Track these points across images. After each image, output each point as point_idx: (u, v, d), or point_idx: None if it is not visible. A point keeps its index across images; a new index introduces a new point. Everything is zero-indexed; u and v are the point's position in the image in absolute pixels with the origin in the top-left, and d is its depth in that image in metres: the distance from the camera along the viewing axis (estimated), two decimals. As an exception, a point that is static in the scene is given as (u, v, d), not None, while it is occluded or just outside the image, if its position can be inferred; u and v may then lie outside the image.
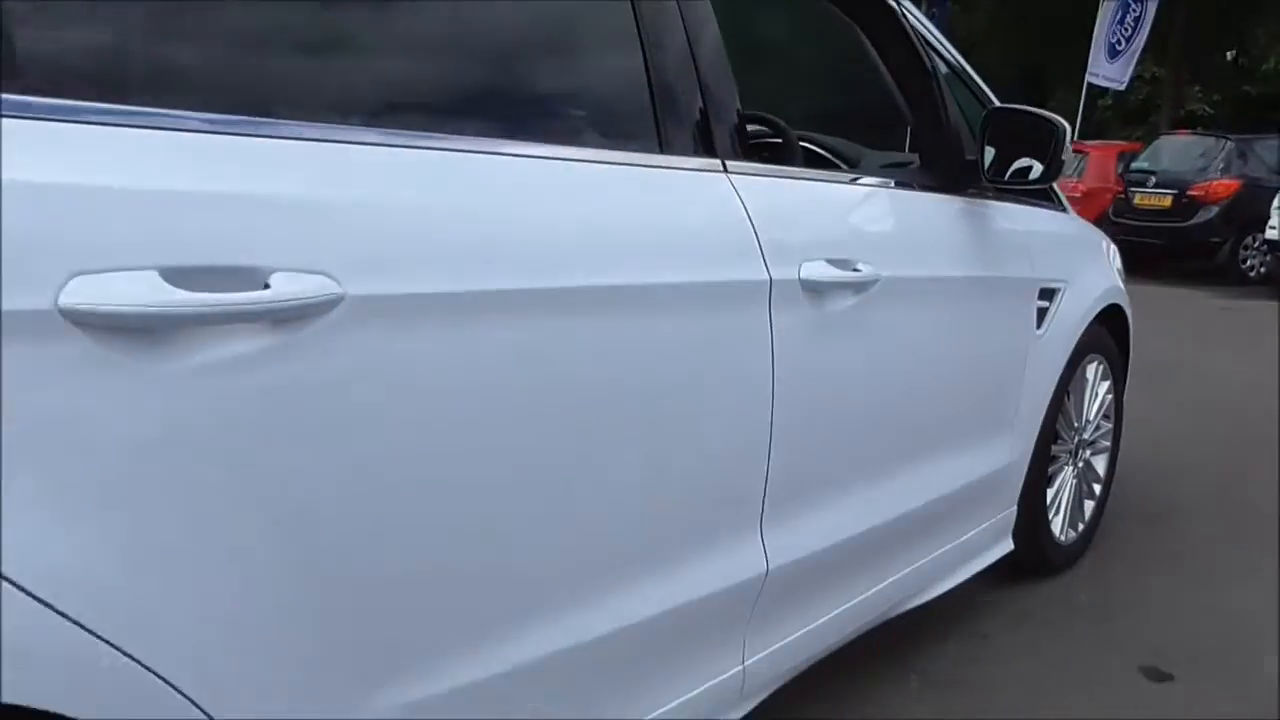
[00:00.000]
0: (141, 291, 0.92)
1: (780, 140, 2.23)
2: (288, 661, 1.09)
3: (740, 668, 1.78)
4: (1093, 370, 2.96)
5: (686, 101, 1.59)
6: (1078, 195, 12.28)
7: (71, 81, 0.96)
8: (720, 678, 1.74)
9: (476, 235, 1.22)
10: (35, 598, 0.87)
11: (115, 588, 0.94)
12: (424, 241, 1.17)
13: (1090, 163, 12.60)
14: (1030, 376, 2.56)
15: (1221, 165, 11.24)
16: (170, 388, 0.96)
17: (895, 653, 2.42)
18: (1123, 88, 16.80)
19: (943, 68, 2.37)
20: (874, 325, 1.88)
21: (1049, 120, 2.24)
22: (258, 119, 1.07)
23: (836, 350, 1.81)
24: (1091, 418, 3.02)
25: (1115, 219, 11.62)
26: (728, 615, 1.73)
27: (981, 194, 2.33)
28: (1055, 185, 2.75)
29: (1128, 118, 24.26)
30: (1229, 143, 11.57)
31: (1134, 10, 16.34)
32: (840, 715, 2.19)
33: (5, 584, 0.85)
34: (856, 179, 2.23)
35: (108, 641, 0.91)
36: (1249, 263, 11.12)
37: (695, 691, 1.68)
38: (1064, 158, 2.23)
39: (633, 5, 1.52)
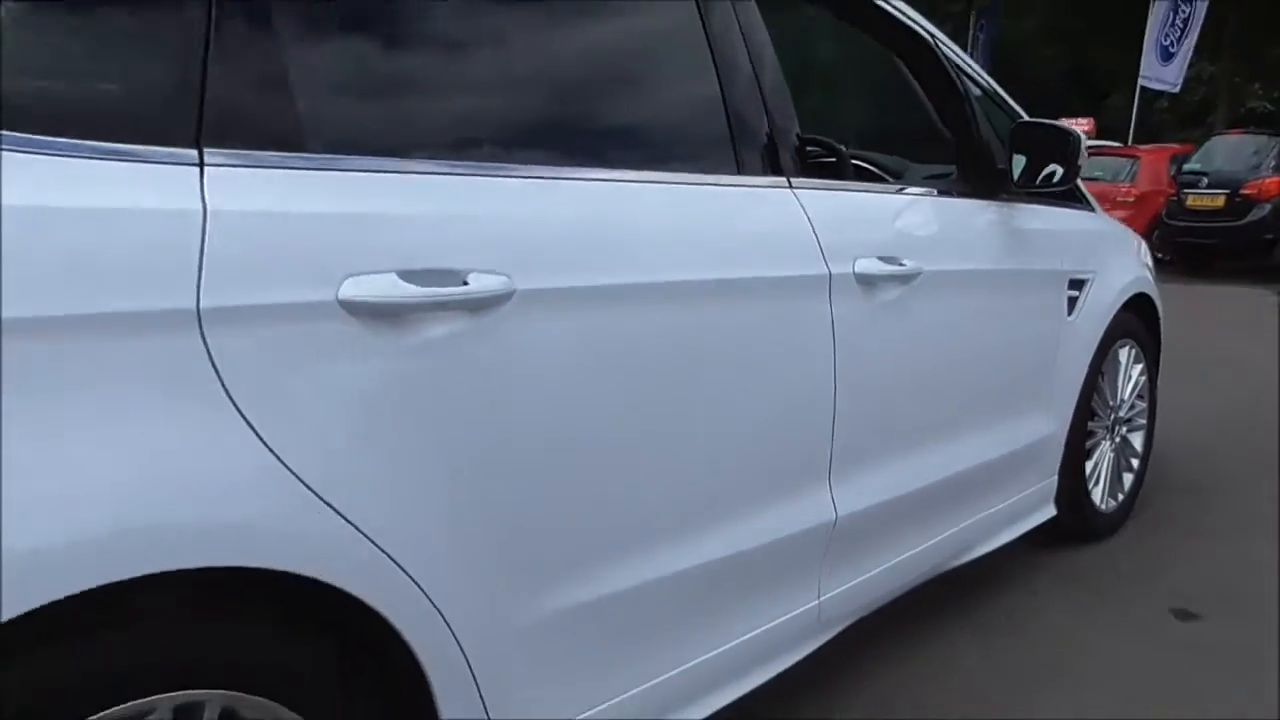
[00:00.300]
0: (386, 287, 1.32)
1: (834, 158, 2.59)
2: (480, 559, 1.47)
3: (816, 602, 2.14)
4: (1125, 354, 3.27)
5: (758, 132, 1.97)
6: (1131, 199, 12.42)
7: (350, 141, 1.38)
8: (800, 609, 2.10)
9: (608, 243, 1.61)
10: (319, 496, 1.26)
11: (368, 494, 1.32)
12: (570, 249, 1.56)
13: (1143, 167, 12.73)
14: (1063, 358, 2.89)
15: (1274, 163, 11.32)
16: (405, 355, 1.35)
17: (955, 606, 2.75)
18: (1176, 90, 16.85)
19: (975, 89, 2.72)
20: (919, 311, 2.24)
21: (1065, 131, 2.59)
22: (458, 162, 1.47)
23: (887, 332, 2.17)
24: (1126, 397, 3.32)
25: (1169, 220, 11.74)
26: (805, 556, 2.08)
27: (1013, 198, 2.67)
28: (1083, 187, 3.08)
29: (1185, 119, 24.15)
30: (1281, 141, 11.66)
31: (1183, 11, 16.43)
32: (905, 657, 2.52)
33: (306, 489, 1.24)
34: (902, 189, 2.59)
35: (358, 528, 1.30)
36: (1304, 259, 11.17)
37: (782, 619, 2.04)
38: (1080, 163, 2.57)
39: (715, 63, 1.90)
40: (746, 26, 1.98)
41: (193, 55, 1.23)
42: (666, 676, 1.81)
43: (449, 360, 1.40)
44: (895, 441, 2.27)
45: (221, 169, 1.23)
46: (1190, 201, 11.52)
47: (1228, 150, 12.10)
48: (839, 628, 2.27)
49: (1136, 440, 3.45)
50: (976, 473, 2.57)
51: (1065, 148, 2.56)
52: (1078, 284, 2.92)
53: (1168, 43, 16.07)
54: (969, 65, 2.71)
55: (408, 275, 1.34)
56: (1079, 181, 2.89)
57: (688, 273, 1.72)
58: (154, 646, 1.17)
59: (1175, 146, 13.98)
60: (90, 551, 1.07)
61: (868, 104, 3.23)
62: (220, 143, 1.23)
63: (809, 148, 2.19)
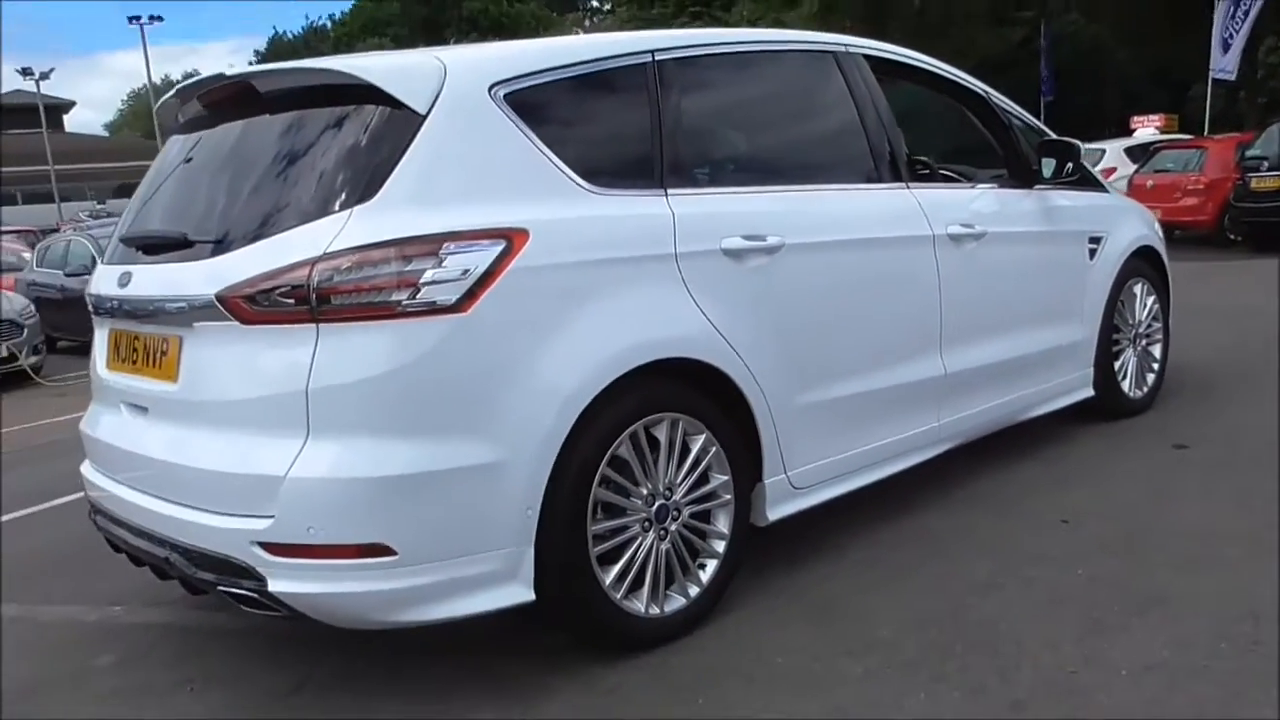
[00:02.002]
0: (738, 242, 3.02)
1: (929, 170, 4.21)
2: (780, 368, 3.12)
3: (937, 423, 3.76)
4: (1139, 288, 4.81)
5: (885, 156, 3.63)
6: (1200, 186, 13.63)
7: (720, 177, 3.13)
8: (928, 426, 3.73)
9: (823, 219, 3.29)
10: (718, 330, 2.94)
11: (737, 332, 2.99)
12: (806, 223, 3.24)
13: (1209, 156, 13.90)
14: (1090, 287, 4.47)
15: (1330, 144, 12.40)
16: (745, 273, 3.04)
17: (1024, 442, 4.33)
18: (1231, 78, 17.86)
19: (1016, 121, 4.33)
20: (985, 256, 3.85)
21: (1068, 143, 4.21)
22: (761, 185, 3.19)
23: (967, 267, 3.79)
24: (1142, 318, 4.85)
25: (1236, 204, 12.90)
26: (930, 394, 3.71)
27: (1044, 187, 4.27)
28: (1099, 175, 4.67)
29: (1269, 107, 24.75)
30: (1340, 120, 12.69)
31: (1245, 4, 17.52)
32: (978, 489, 4.08)
33: (714, 328, 2.93)
34: (973, 186, 4.21)
35: (733, 346, 2.98)
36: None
37: (918, 430, 3.68)
38: (1082, 162, 4.19)
39: (860, 116, 3.57)
40: (870, 87, 3.65)
41: (656, 140, 2.96)
42: (864, 449, 3.46)
43: (762, 275, 3.09)
44: (977, 332, 3.89)
45: (673, 194, 2.95)
46: (1254, 184, 12.67)
47: (1286, 134, 13.18)
48: (949, 445, 3.88)
49: (1156, 350, 4.98)
50: (1033, 357, 4.17)
51: (1070, 153, 4.17)
52: (1095, 240, 4.49)
53: (1227, 35, 17.18)
54: (1010, 106, 4.33)
55: (746, 236, 3.04)
56: (1093, 170, 4.49)
57: (861, 233, 3.40)
58: (645, 396, 2.84)
59: (1239, 135, 15.05)
60: (632, 352, 2.76)
61: (948, 136, 4.84)
62: (670, 182, 2.95)
63: (915, 163, 3.84)
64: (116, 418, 3.03)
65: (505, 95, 2.72)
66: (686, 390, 2.93)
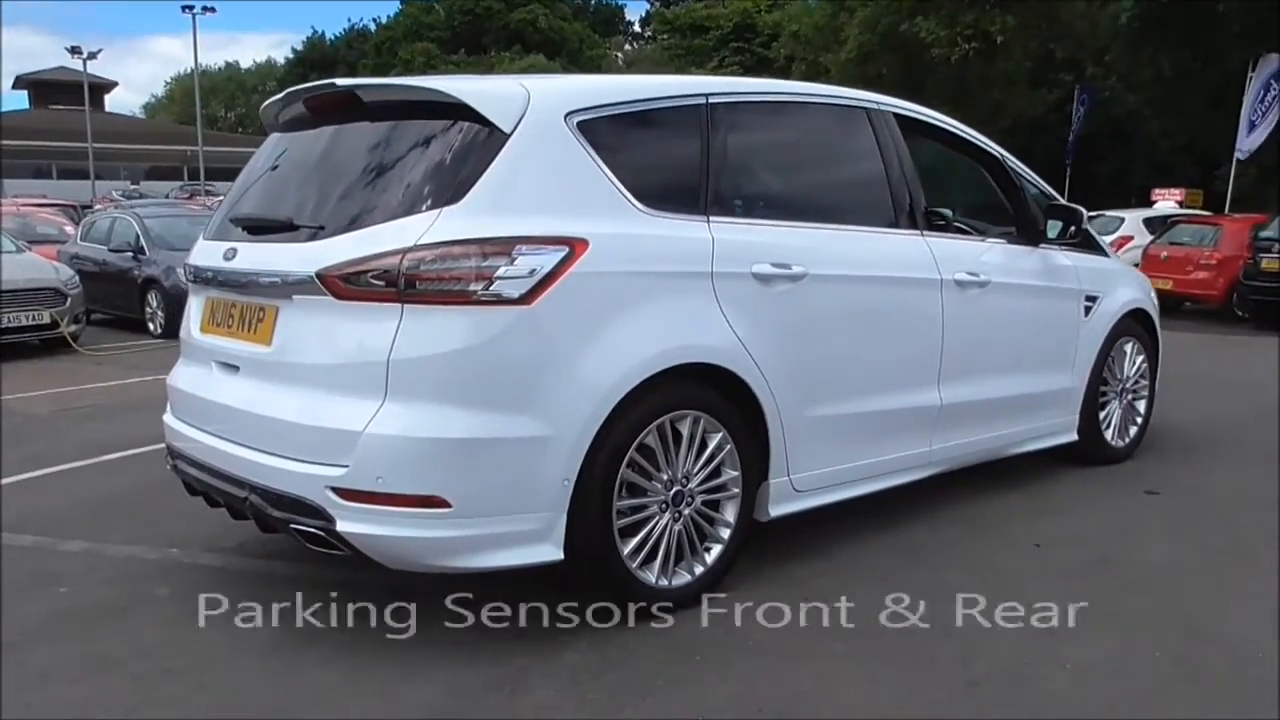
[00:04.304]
0: (766, 268, 3.44)
1: (944, 221, 4.62)
2: (793, 381, 3.52)
3: (929, 448, 4.15)
4: (1129, 346, 5.21)
5: (904, 205, 4.05)
6: (1213, 262, 14.01)
7: (753, 209, 3.55)
8: (921, 449, 4.12)
9: (844, 255, 3.70)
10: (741, 342, 3.34)
11: (758, 344, 3.39)
12: (827, 257, 3.65)
13: (1225, 234, 14.26)
14: (1081, 341, 4.87)
15: (1341, 232, 12.77)
16: (770, 295, 3.45)
17: (1008, 478, 4.71)
18: (1244, 157, 18.22)
19: (1028, 185, 4.75)
20: (989, 303, 4.25)
21: (1073, 208, 4.61)
22: (789, 220, 3.61)
23: (970, 311, 4.19)
24: (1130, 374, 5.24)
25: (1246, 282, 13.27)
26: (925, 420, 4.10)
27: (1049, 246, 4.67)
28: (1100, 240, 5.07)
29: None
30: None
31: (1274, 89, 17.95)
32: (964, 510, 4.47)
33: (737, 339, 3.33)
34: (984, 238, 4.61)
35: (752, 356, 3.38)
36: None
37: (911, 451, 4.07)
38: (1085, 226, 4.60)
39: (884, 167, 3.99)
40: (896, 141, 4.08)
41: (703, 172, 3.38)
42: (862, 463, 3.86)
43: (785, 299, 3.50)
44: (973, 370, 4.29)
45: (714, 220, 3.36)
46: (1264, 264, 13.05)
47: (1300, 219, 13.56)
48: (940, 469, 4.27)
49: (1140, 405, 5.36)
50: (1023, 399, 4.56)
51: (1073, 217, 4.57)
52: (1091, 298, 4.89)
53: (1254, 116, 17.60)
54: (1023, 170, 4.75)
55: (774, 264, 3.46)
56: (1096, 236, 4.91)
57: (876, 271, 3.82)
58: (674, 394, 3.25)
59: (1258, 216, 15.43)
60: (667, 355, 3.17)
61: (964, 191, 5.26)
62: (712, 210, 3.37)
63: (932, 214, 4.25)
64: (206, 374, 3.45)
65: (578, 122, 3.14)
66: (710, 393, 3.32)
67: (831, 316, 3.67)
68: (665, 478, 3.23)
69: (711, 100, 3.50)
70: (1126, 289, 5.20)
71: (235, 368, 3.30)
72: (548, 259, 2.94)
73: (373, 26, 62.06)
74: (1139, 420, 5.36)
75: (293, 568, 3.71)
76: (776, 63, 32.48)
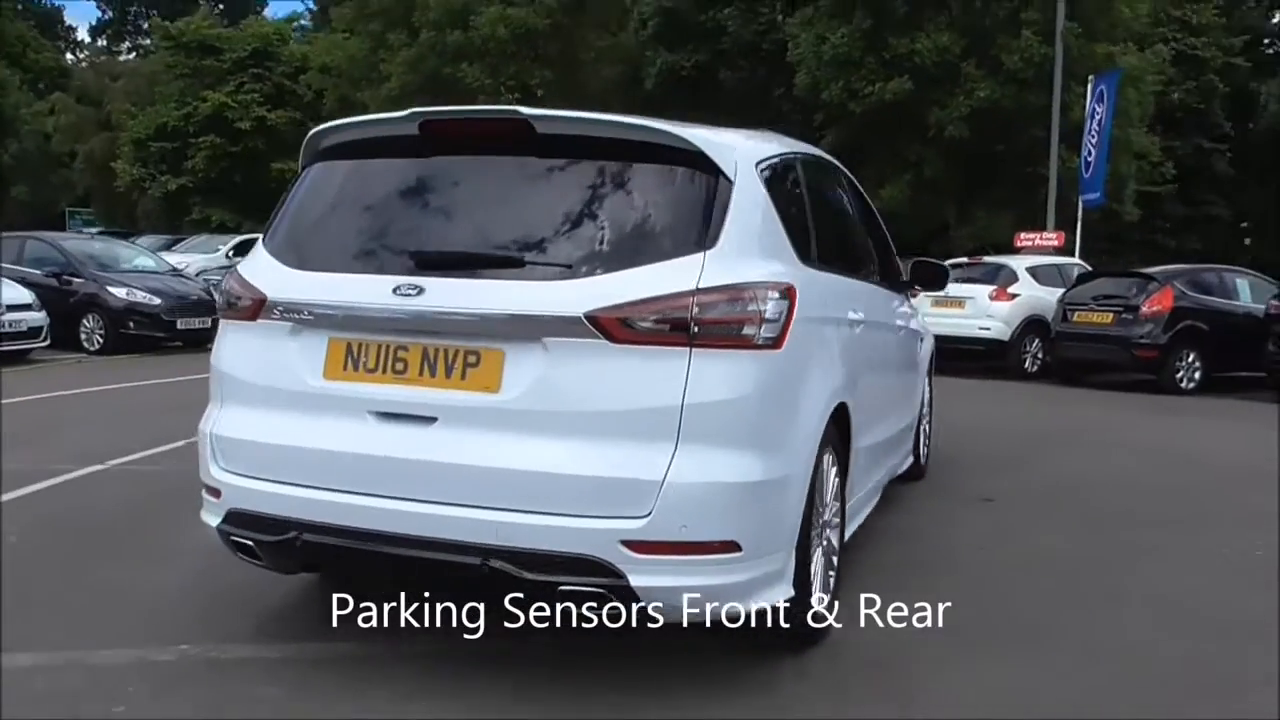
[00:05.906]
0: (854, 314, 3.80)
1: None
2: (862, 418, 3.89)
3: (880, 479, 4.74)
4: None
5: (881, 262, 4.63)
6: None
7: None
8: (880, 477, 4.69)
9: (851, 303, 4.11)
10: (851, 380, 3.68)
11: (850, 388, 3.72)
12: (868, 305, 4.09)
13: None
14: (921, 365, 5.78)
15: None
16: (852, 339, 3.81)
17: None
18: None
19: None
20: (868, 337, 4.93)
21: (938, 264, 5.51)
22: (851, 274, 3.99)
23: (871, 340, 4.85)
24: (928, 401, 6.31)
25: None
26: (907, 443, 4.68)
27: (909, 293, 5.51)
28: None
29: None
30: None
31: None
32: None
33: (851, 381, 3.65)
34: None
35: (851, 394, 3.72)
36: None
37: (879, 478, 4.62)
38: (949, 278, 5.52)
39: (870, 238, 4.54)
40: (864, 206, 4.65)
41: (811, 226, 3.65)
42: (866, 489, 4.32)
43: (856, 342, 3.87)
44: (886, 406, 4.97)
45: (821, 269, 3.63)
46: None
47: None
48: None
49: (927, 427, 6.43)
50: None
51: (940, 272, 5.46)
52: (921, 339, 5.85)
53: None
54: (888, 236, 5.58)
55: (853, 310, 3.83)
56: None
57: (871, 316, 4.28)
58: (828, 431, 3.51)
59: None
60: (833, 395, 3.40)
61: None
62: (814, 263, 3.62)
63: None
64: (350, 428, 2.97)
65: (762, 172, 3.27)
66: (834, 428, 3.56)
67: (868, 359, 4.10)
68: (828, 508, 3.46)
69: (801, 158, 3.83)
70: (928, 332, 6.25)
71: (427, 419, 2.91)
72: (784, 304, 3.05)
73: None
74: (926, 441, 6.42)
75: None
76: (305, 97, 31.24)
